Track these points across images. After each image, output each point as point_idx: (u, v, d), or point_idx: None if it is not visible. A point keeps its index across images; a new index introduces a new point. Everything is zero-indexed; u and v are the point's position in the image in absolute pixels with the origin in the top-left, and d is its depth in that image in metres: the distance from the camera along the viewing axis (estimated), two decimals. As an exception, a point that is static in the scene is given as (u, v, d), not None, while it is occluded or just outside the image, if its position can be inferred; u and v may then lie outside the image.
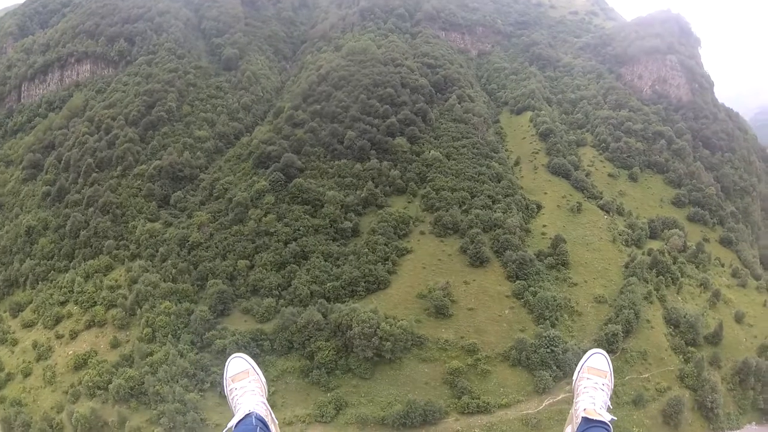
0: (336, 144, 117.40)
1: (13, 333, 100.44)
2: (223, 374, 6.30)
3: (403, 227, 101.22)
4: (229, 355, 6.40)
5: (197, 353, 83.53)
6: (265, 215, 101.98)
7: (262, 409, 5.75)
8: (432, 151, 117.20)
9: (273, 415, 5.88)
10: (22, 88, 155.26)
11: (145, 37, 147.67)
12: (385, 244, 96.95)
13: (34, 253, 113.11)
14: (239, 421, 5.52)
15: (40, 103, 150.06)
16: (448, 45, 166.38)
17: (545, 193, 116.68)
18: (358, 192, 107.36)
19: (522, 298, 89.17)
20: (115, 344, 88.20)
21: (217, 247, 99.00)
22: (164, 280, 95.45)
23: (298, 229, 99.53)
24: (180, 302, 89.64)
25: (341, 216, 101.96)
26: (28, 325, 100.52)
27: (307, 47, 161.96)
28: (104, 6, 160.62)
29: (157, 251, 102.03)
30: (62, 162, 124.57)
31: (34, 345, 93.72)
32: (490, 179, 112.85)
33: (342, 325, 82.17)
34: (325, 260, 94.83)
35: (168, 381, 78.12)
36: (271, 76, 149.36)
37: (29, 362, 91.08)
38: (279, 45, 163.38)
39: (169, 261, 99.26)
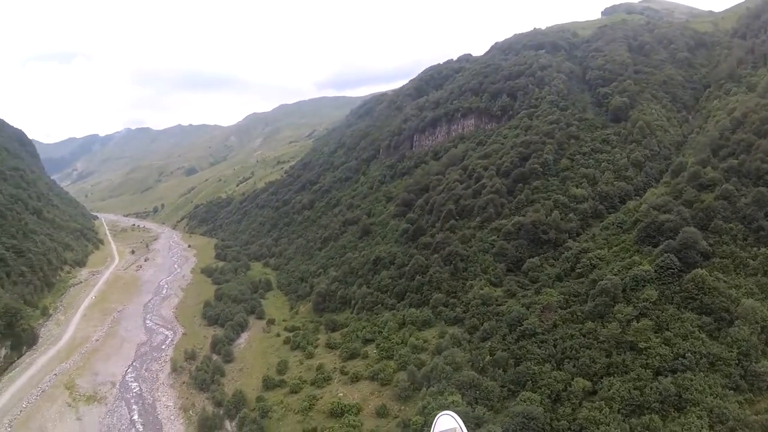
0: (762, 219, 73.88)
1: (316, 347, 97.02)
2: (431, 430, 7.33)
3: None
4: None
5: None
6: (637, 318, 66.19)
7: None
8: None
9: None
10: (414, 139, 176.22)
11: (527, 91, 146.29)
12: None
13: (373, 282, 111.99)
14: None
15: (427, 152, 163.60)
16: None
17: None
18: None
19: None
20: (381, 413, 68.72)
21: (554, 346, 68.56)
22: (472, 365, 71.85)
23: (684, 355, 59.32)
24: (474, 404, 62.94)
25: (760, 347, 57.83)
26: (330, 347, 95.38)
27: (712, 92, 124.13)
28: (488, 66, 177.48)
29: (482, 324, 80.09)
30: (428, 204, 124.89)
31: (319, 368, 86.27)
32: None
33: None
34: (710, 426, 52.43)
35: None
36: (669, 128, 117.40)
37: (304, 381, 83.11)
38: (677, 92, 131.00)
39: (489, 342, 75.47)
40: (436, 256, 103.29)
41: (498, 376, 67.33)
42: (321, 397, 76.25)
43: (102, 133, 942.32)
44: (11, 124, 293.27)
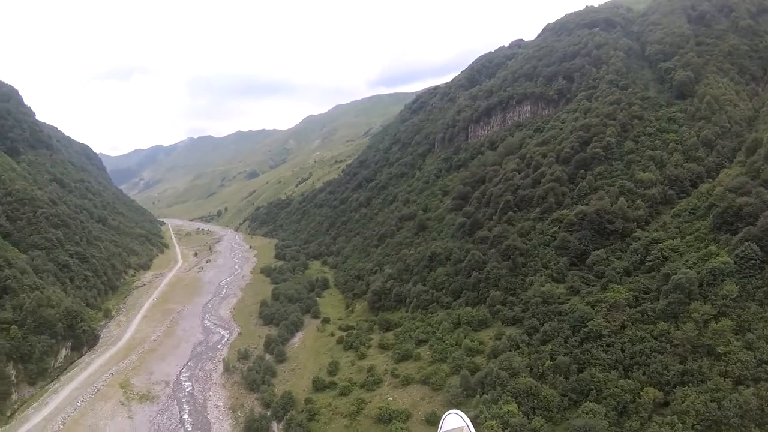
0: None
1: (368, 347, 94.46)
2: (438, 429, 7.19)
3: None
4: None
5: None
6: (715, 318, 58.73)
7: None
8: None
9: None
10: (469, 130, 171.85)
11: (584, 72, 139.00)
12: None
13: (428, 279, 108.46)
14: None
15: (483, 142, 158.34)
16: None
17: None
18: None
19: None
20: (431, 420, 64.73)
21: (622, 351, 61.92)
22: (531, 370, 66.47)
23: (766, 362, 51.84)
24: (531, 414, 57.58)
25: None
26: (383, 347, 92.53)
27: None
28: (541, 49, 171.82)
29: (542, 325, 74.28)
30: (485, 196, 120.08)
31: (370, 369, 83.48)
32: None
33: None
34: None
35: None
36: (738, 102, 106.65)
37: (354, 383, 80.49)
38: (743, 63, 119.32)
39: (550, 345, 69.67)
40: (493, 250, 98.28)
41: (558, 383, 61.69)
42: (370, 401, 73.29)
43: (166, 143, 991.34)
44: (77, 140, 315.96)
